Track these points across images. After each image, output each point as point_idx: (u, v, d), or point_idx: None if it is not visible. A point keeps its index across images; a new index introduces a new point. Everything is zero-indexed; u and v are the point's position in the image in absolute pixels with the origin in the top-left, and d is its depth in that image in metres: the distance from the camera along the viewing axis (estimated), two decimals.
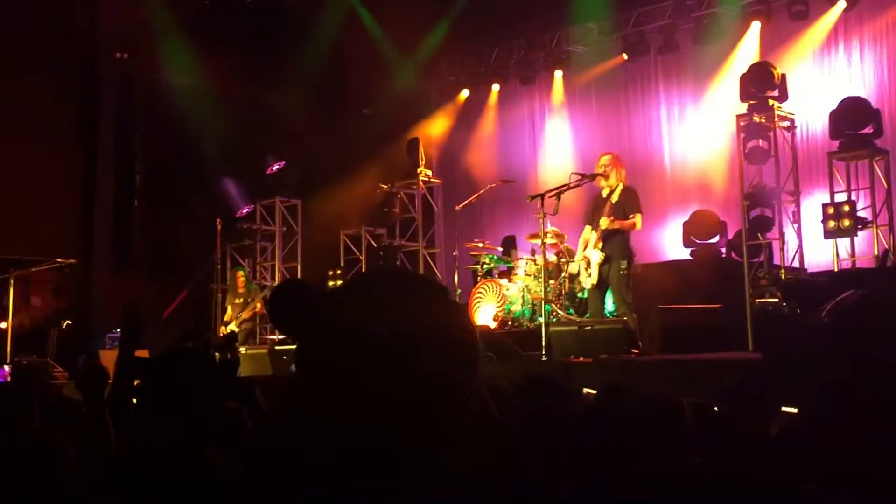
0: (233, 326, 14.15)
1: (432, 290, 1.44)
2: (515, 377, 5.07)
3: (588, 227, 11.30)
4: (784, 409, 4.46)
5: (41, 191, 14.30)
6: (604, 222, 10.89)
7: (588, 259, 11.14)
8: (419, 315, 1.38)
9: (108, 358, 12.58)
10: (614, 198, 10.98)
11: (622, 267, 10.98)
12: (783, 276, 11.10)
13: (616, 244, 10.98)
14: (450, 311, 1.42)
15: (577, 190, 11.26)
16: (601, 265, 11.02)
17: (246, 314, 14.23)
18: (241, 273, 14.84)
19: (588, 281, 11.20)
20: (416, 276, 1.49)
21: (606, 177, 11.03)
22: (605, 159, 11.23)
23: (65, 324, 13.77)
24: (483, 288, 12.74)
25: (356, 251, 15.86)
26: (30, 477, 2.93)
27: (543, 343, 10.08)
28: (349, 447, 1.36)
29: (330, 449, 1.37)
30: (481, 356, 1.35)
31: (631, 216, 10.97)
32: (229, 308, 14.60)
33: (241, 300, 14.35)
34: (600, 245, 11.02)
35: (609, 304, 11.31)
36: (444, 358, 1.37)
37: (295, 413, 1.45)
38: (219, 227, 14.84)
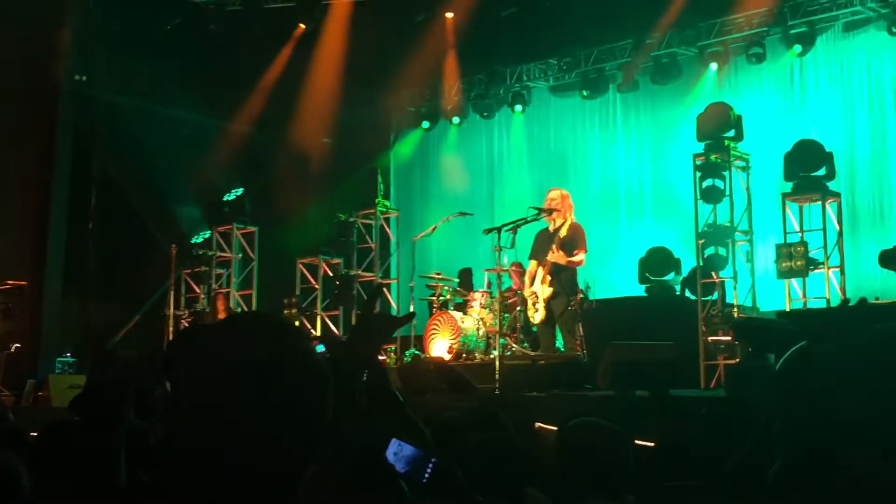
0: None
1: (283, 328, 1.60)
2: (467, 409, 5.10)
3: (534, 262, 11.39)
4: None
5: None
6: (554, 256, 10.99)
7: (536, 294, 11.22)
8: (270, 351, 1.53)
9: (57, 383, 12.36)
10: (562, 233, 11.09)
11: (570, 302, 11.09)
12: (735, 315, 11.20)
13: (564, 280, 11.11)
14: (299, 346, 1.57)
15: (533, 224, 11.33)
16: (549, 300, 11.11)
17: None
18: (222, 297, 14.72)
19: (536, 316, 11.28)
20: (271, 317, 1.65)
21: (561, 212, 11.18)
22: (554, 194, 11.40)
23: (14, 347, 13.56)
24: (438, 320, 12.73)
25: (312, 280, 15.81)
26: None
27: (497, 376, 10.08)
28: (214, 475, 1.48)
29: (199, 478, 1.49)
30: (329, 387, 1.51)
31: (576, 252, 11.10)
32: None
33: None
34: (548, 280, 11.11)
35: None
36: (293, 388, 1.52)
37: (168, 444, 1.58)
38: (174, 252, 14.73)
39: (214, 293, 15.25)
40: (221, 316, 14.31)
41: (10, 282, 13.69)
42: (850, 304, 8.47)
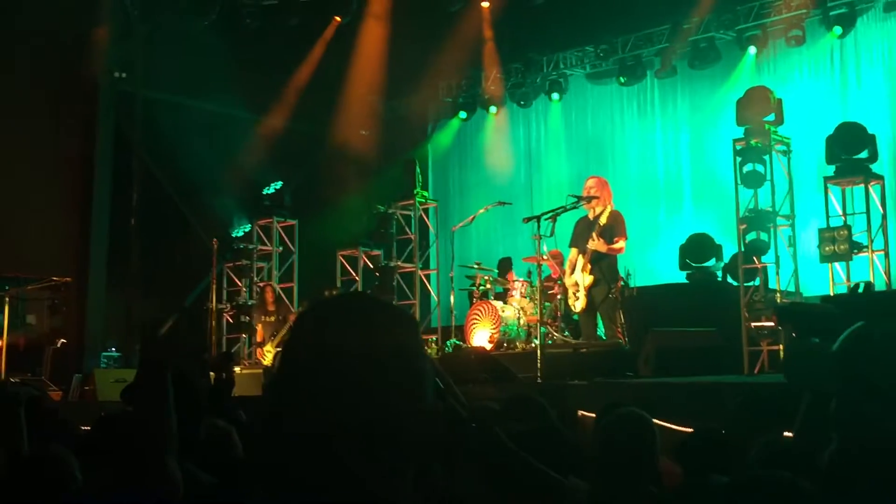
0: (269, 348, 13.87)
1: (392, 313, 1.57)
2: (508, 398, 5.11)
3: (574, 250, 11.37)
4: (786, 433, 4.47)
5: (37, 208, 14.27)
6: (594, 244, 10.96)
7: (576, 283, 11.19)
8: (380, 336, 1.50)
9: (103, 378, 12.50)
10: (602, 221, 11.06)
11: (611, 290, 11.06)
12: (778, 300, 11.11)
13: (604, 267, 11.08)
14: (406, 333, 1.54)
15: (572, 212, 11.30)
16: (590, 288, 11.08)
17: (284, 335, 13.73)
18: (270, 289, 14.74)
19: (577, 305, 11.26)
20: (378, 301, 1.61)
21: (601, 200, 11.15)
22: (592, 182, 11.37)
23: (59, 342, 13.73)
24: (479, 310, 12.74)
25: (353, 272, 15.85)
26: (37, 493, 2.93)
27: (538, 365, 10.07)
28: (319, 458, 1.46)
29: (303, 461, 1.47)
30: (432, 375, 1.51)
31: (616, 240, 11.06)
32: (259, 326, 14.42)
33: (273, 318, 14.13)
34: (589, 268, 11.07)
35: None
36: (399, 376, 1.49)
37: (269, 428, 1.54)
38: (215, 246, 14.83)
39: (264, 284, 15.30)
40: (271, 308, 14.32)
41: (55, 278, 13.87)
42: (860, 289, 8.42)
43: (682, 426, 6.22)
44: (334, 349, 1.48)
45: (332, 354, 1.48)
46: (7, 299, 12.82)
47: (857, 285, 10.74)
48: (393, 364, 1.48)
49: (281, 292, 15.95)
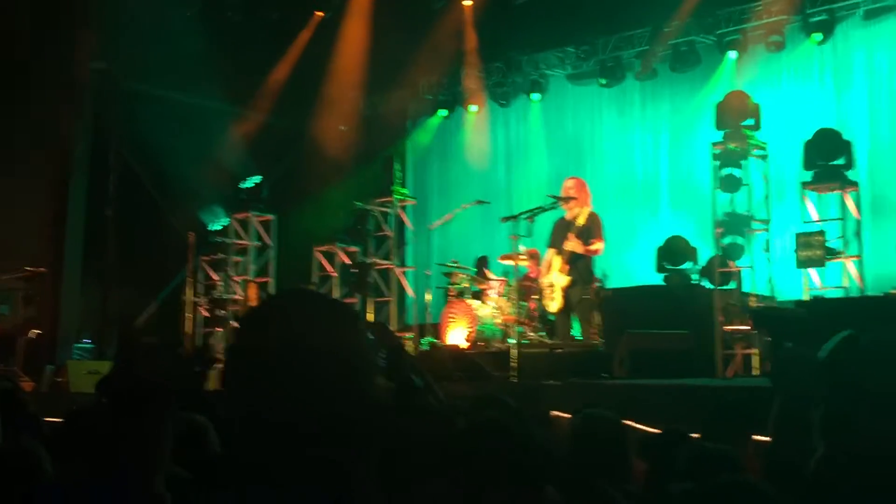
0: None
1: (332, 309, 1.60)
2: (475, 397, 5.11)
3: (551, 251, 11.39)
4: (754, 437, 4.49)
5: (12, 198, 14.17)
6: (570, 245, 10.98)
7: (552, 283, 11.21)
8: (327, 332, 1.53)
9: (76, 369, 12.43)
10: (579, 222, 11.09)
11: (587, 291, 11.09)
12: (753, 304, 11.16)
13: (581, 268, 11.11)
14: (352, 330, 1.57)
15: (551, 212, 11.32)
16: (566, 289, 11.10)
17: None
18: (254, 286, 14.74)
19: (553, 305, 11.27)
20: (321, 296, 1.69)
21: (579, 201, 11.18)
22: (570, 183, 11.40)
23: (33, 333, 13.63)
24: (455, 308, 12.75)
25: (329, 267, 15.83)
26: (7, 485, 2.91)
27: (514, 365, 10.09)
28: (275, 449, 1.49)
29: (260, 452, 1.50)
30: (375, 372, 1.56)
31: (593, 241, 11.09)
32: None
33: None
34: (566, 269, 11.09)
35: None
36: (345, 372, 1.52)
37: (232, 421, 1.56)
38: (191, 240, 14.77)
39: (248, 281, 15.27)
40: (254, 304, 14.32)
41: (29, 269, 13.77)
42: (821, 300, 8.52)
43: (654, 428, 6.25)
44: (274, 345, 1.50)
45: (272, 350, 1.50)
46: None
47: (817, 298, 10.92)
48: (330, 359, 1.50)
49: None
